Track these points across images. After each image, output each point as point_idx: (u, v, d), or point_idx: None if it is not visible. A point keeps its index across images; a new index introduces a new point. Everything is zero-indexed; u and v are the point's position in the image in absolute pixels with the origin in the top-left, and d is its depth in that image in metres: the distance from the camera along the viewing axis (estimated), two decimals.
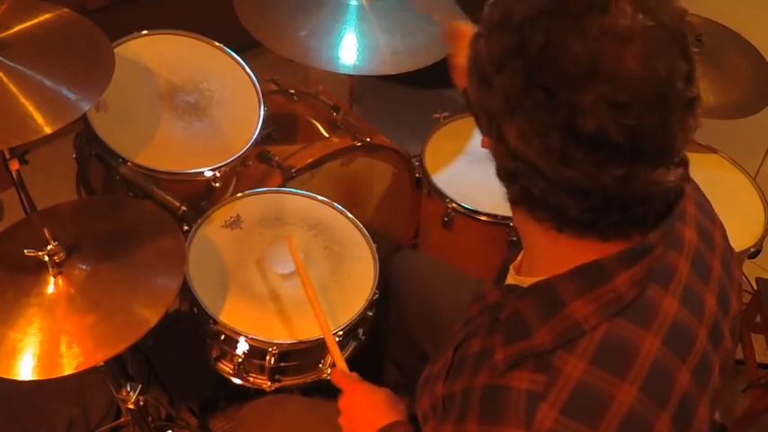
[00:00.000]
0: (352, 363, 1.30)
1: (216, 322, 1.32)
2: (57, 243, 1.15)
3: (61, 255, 1.16)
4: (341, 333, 1.35)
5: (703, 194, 0.90)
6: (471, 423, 0.72)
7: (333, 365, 1.38)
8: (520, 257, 0.87)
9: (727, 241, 0.87)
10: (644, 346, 0.70)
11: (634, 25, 0.61)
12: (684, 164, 0.68)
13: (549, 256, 0.75)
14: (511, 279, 0.87)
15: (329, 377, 1.38)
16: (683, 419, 0.71)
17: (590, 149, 0.62)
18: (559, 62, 0.61)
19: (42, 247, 1.14)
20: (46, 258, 1.14)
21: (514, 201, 0.73)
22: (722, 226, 0.88)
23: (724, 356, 0.80)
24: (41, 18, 1.36)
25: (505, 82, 0.64)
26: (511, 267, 0.88)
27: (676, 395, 0.71)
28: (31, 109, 1.21)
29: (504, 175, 0.71)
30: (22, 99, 1.22)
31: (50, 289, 1.16)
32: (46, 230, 1.14)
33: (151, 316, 1.14)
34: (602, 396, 0.68)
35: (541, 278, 0.75)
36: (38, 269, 1.16)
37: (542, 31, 0.62)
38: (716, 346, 0.78)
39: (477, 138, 1.83)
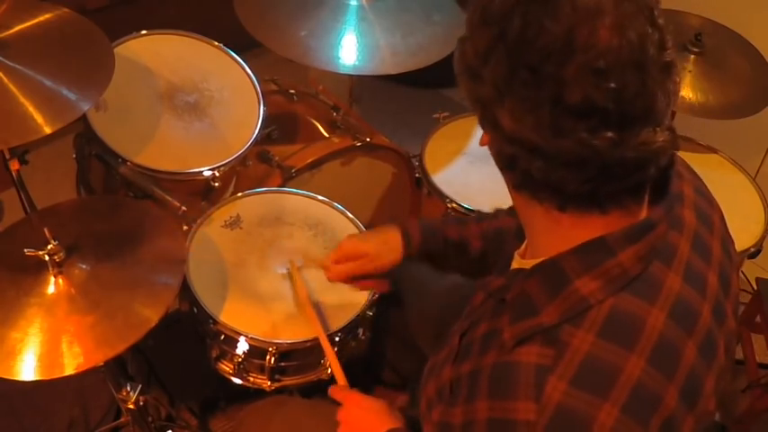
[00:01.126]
0: (352, 363, 1.30)
1: (216, 322, 1.32)
2: (57, 242, 1.15)
3: (61, 254, 1.16)
4: (340, 334, 1.35)
5: (702, 181, 0.91)
6: (481, 401, 0.73)
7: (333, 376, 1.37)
8: (524, 245, 0.88)
9: (725, 225, 0.89)
10: (649, 320, 0.72)
11: (602, 0, 0.65)
12: (671, 130, 0.70)
13: (553, 236, 0.76)
14: (515, 264, 0.88)
15: (329, 377, 1.38)
16: (690, 394, 0.72)
17: (579, 118, 0.65)
18: (538, 42, 0.65)
19: (42, 246, 1.14)
20: (46, 258, 1.14)
21: (516, 186, 0.75)
22: (720, 210, 0.90)
23: (728, 336, 0.81)
24: (41, 18, 1.36)
25: (492, 70, 0.68)
26: (516, 254, 0.89)
27: (683, 369, 0.72)
28: (30, 109, 1.21)
29: (504, 161, 0.73)
30: (22, 99, 1.22)
31: (51, 289, 1.16)
32: (46, 230, 1.14)
33: (151, 316, 1.14)
34: (610, 367, 0.69)
35: (546, 257, 0.76)
36: (38, 269, 1.16)
37: (519, 16, 0.66)
38: (720, 325, 0.79)
39: (477, 138, 1.84)
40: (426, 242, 1.23)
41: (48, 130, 1.19)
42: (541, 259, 0.77)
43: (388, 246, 1.24)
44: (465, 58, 0.71)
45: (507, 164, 0.73)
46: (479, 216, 1.25)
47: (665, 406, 0.70)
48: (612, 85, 0.63)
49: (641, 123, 0.66)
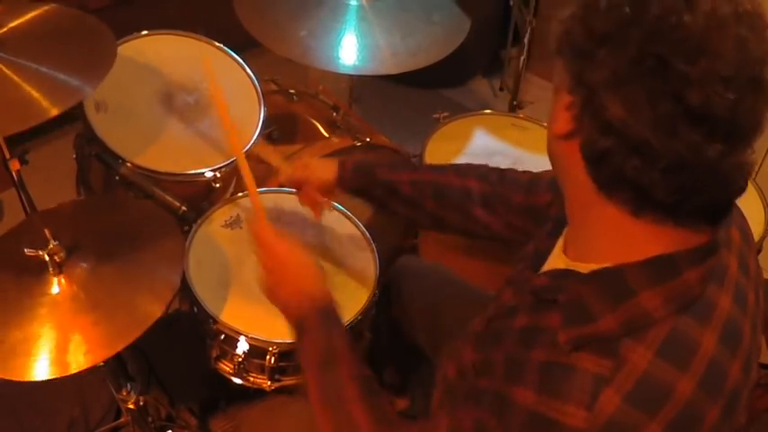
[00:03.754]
0: None
1: (216, 321, 1.32)
2: (57, 243, 1.15)
3: (61, 254, 1.16)
4: None
5: None
6: (526, 390, 0.73)
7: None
8: (563, 240, 0.87)
9: (753, 238, 0.91)
10: (704, 343, 0.73)
11: (733, 10, 0.65)
12: (753, 153, 0.71)
13: (617, 241, 0.75)
14: (559, 261, 0.85)
15: None
16: (730, 408, 0.75)
17: (693, 122, 0.64)
18: (675, 33, 0.64)
19: (43, 246, 1.14)
20: (46, 258, 1.15)
21: (599, 183, 0.72)
22: (748, 223, 0.91)
23: (758, 350, 0.83)
24: (32, 14, 1.38)
25: (614, 54, 0.66)
26: (558, 251, 0.87)
27: (728, 388, 0.74)
28: (37, 95, 1.23)
29: (593, 154, 0.70)
30: (28, 88, 1.23)
31: (51, 289, 1.16)
32: (46, 230, 1.14)
33: (153, 311, 1.14)
34: (663, 387, 0.70)
35: (605, 264, 0.75)
36: (39, 269, 1.16)
37: (656, 4, 0.65)
38: (754, 340, 0.81)
39: (477, 138, 1.84)
40: (357, 177, 1.29)
41: (55, 112, 1.20)
42: (602, 266, 0.76)
43: (324, 165, 1.33)
44: (571, 38, 0.69)
45: (596, 157, 0.70)
46: (416, 166, 1.28)
47: (706, 423, 0.72)
48: (732, 96, 0.63)
49: (745, 141, 0.67)
